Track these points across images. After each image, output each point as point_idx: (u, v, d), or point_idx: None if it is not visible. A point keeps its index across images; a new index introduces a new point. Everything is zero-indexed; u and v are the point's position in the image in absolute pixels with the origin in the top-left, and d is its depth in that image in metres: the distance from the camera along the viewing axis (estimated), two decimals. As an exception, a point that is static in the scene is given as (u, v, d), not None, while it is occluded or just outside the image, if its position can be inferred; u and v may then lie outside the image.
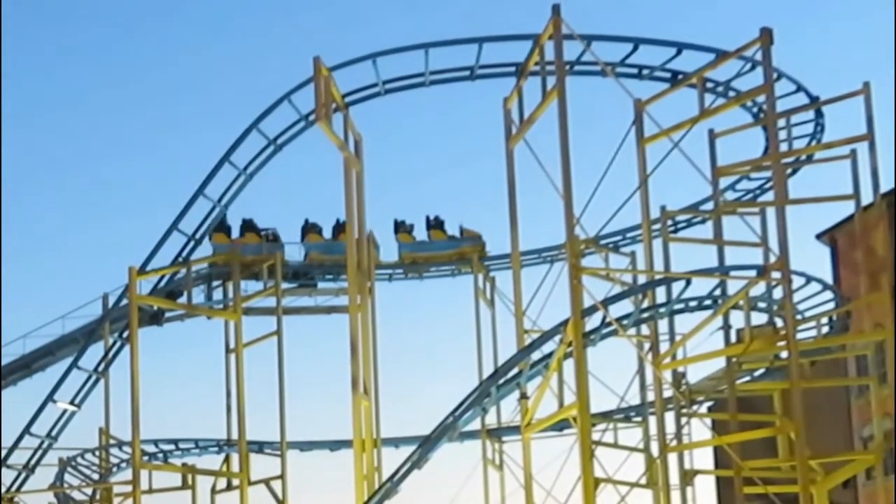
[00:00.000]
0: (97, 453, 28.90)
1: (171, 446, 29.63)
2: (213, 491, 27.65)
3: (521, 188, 22.28)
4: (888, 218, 23.94)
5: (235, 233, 29.40)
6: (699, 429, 24.53)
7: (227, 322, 28.21)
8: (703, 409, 27.21)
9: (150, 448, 29.09)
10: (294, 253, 31.00)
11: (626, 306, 22.35)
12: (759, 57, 20.28)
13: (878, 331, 22.35)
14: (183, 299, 28.38)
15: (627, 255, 26.77)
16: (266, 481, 27.18)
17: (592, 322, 21.18)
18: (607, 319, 21.03)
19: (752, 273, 21.10)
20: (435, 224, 30.23)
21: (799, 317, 22.42)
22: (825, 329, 23.76)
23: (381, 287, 30.01)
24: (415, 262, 30.02)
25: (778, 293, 21.28)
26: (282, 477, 27.32)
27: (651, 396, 24.20)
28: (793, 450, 19.99)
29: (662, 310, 22.27)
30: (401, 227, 29.91)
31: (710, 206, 23.94)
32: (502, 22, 62.90)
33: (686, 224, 27.77)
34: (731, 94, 22.98)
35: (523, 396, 21.95)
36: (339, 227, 29.70)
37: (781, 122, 23.04)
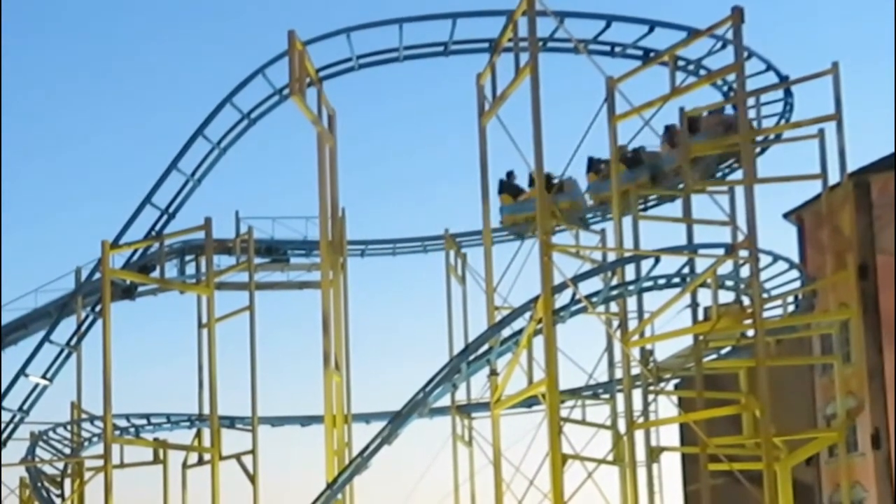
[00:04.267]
0: (69, 427, 28.90)
1: (143, 421, 29.67)
2: (185, 466, 27.72)
3: (494, 164, 22.41)
4: (854, 198, 24.20)
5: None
6: (666, 406, 24.81)
7: (200, 297, 28.24)
8: (671, 386, 27.47)
9: (122, 423, 29.12)
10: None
11: (595, 283, 22.53)
12: (730, 36, 20.42)
13: (842, 310, 22.65)
14: (156, 274, 28.37)
15: (597, 232, 26.97)
16: (237, 456, 27.26)
17: (562, 299, 21.36)
18: (577, 296, 21.21)
19: (720, 251, 21.34)
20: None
21: (765, 295, 22.65)
22: (791, 308, 24.03)
23: (353, 262, 30.10)
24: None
25: (745, 272, 21.49)
26: (253, 452, 27.39)
27: (619, 374, 24.43)
28: (758, 427, 20.24)
29: (631, 287, 22.45)
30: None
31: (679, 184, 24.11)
32: (477, -2, 62.79)
33: (656, 202, 28.00)
34: (703, 72, 23.16)
35: (493, 373, 22.12)
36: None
37: (751, 101, 23.23)
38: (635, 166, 24.36)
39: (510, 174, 26.00)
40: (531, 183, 24.25)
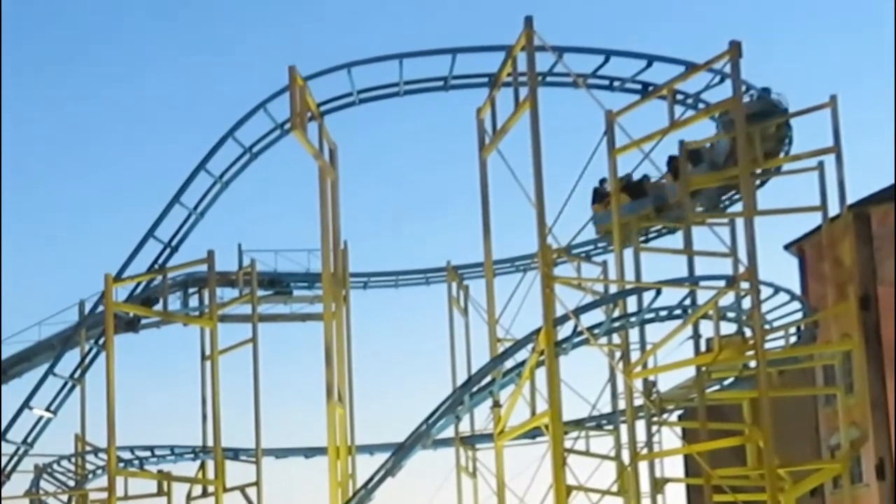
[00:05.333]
0: (73, 460, 28.92)
1: (147, 453, 29.66)
2: (189, 498, 27.70)
3: (494, 197, 22.52)
4: (854, 230, 24.29)
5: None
6: (669, 437, 24.80)
7: (203, 329, 28.30)
8: (674, 417, 27.47)
9: (126, 455, 29.11)
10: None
11: (597, 315, 22.59)
12: (728, 69, 20.58)
13: (844, 341, 22.69)
14: (159, 306, 28.46)
15: (599, 264, 27.03)
16: (241, 488, 27.26)
17: (564, 331, 21.40)
18: (579, 328, 21.27)
19: (722, 283, 21.39)
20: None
21: (767, 326, 22.69)
22: (793, 339, 24.06)
23: (355, 295, 30.19)
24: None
25: (747, 303, 21.52)
26: (257, 484, 27.42)
27: (622, 405, 24.44)
28: (761, 458, 20.23)
29: (633, 319, 22.51)
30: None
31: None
32: (476, 33, 63.30)
33: (657, 234, 28.10)
34: (701, 105, 23.30)
35: (496, 404, 22.16)
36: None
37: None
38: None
39: (603, 182, 24.81)
40: (622, 190, 23.63)
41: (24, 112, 62.59)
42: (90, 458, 28.78)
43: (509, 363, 21.58)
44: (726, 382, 24.56)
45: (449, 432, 26.27)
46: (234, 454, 28.93)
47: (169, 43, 64.69)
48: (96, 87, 63.83)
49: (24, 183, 62.34)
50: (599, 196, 24.85)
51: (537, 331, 19.90)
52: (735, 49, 19.95)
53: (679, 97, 22.89)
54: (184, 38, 64.15)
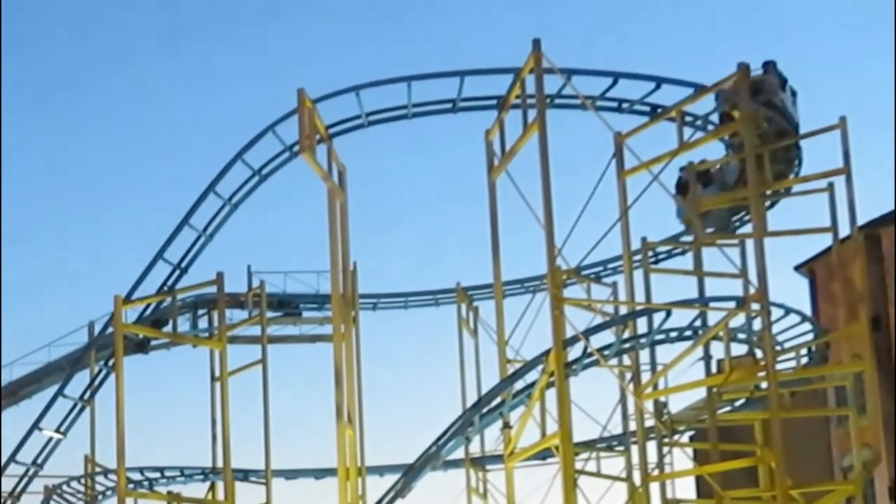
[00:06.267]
0: (83, 481, 28.91)
1: (157, 474, 29.64)
2: (198, 519, 27.68)
3: (503, 219, 22.53)
4: (865, 251, 24.22)
5: None
6: (681, 458, 24.70)
7: (213, 351, 28.29)
8: (685, 438, 27.34)
9: (136, 476, 29.08)
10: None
11: (607, 336, 22.55)
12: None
13: (856, 362, 22.60)
14: (168, 328, 28.50)
15: (609, 285, 26.95)
16: (251, 510, 27.25)
17: (574, 352, 21.37)
18: (589, 350, 21.22)
19: (732, 304, 21.32)
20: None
21: (778, 348, 22.62)
22: (804, 360, 23.98)
23: (365, 316, 30.18)
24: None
25: (757, 324, 21.48)
26: (266, 505, 27.41)
27: (633, 426, 24.36)
28: (773, 479, 20.14)
29: (643, 340, 22.45)
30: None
31: (690, 237, 24.16)
32: (484, 56, 63.54)
33: (666, 255, 28.03)
34: (710, 127, 23.29)
35: (506, 426, 22.10)
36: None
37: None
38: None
39: (683, 169, 23.45)
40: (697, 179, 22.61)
41: (36, 133, 62.90)
42: (100, 479, 28.78)
43: (519, 384, 21.53)
44: (737, 403, 24.46)
45: (459, 453, 26.19)
46: (244, 475, 28.89)
47: (179, 66, 65.06)
48: (107, 111, 64.15)
49: (34, 205, 62.60)
50: (682, 187, 23.85)
51: (547, 352, 19.86)
52: (744, 71, 19.96)
53: (688, 119, 22.86)
54: (193, 61, 64.50)
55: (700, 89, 22.35)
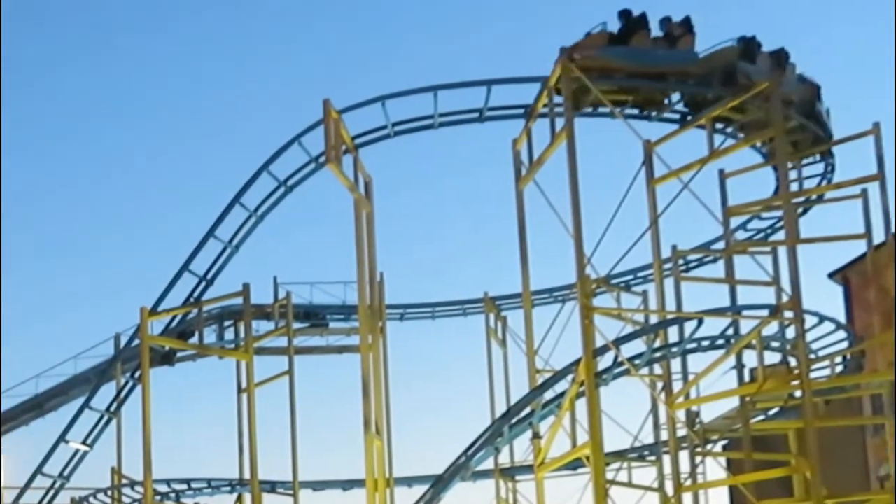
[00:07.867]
0: (109, 493, 28.88)
1: (184, 486, 29.56)
2: (226, 531, 27.63)
3: (532, 227, 22.31)
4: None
5: None
6: (714, 468, 24.42)
7: (239, 362, 28.19)
8: (718, 447, 27.01)
9: (163, 488, 29.01)
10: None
11: (638, 346, 22.26)
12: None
13: (892, 369, 22.22)
14: (194, 339, 28.44)
15: (639, 294, 26.70)
16: (278, 521, 27.12)
17: (605, 361, 21.11)
18: (619, 359, 20.97)
19: (765, 312, 21.01)
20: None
21: (812, 356, 22.30)
22: (839, 368, 23.64)
23: (392, 326, 30.03)
24: None
25: (791, 332, 21.18)
26: (294, 517, 27.27)
27: (665, 436, 24.08)
28: (808, 489, 19.84)
29: (675, 349, 22.18)
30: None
31: (721, 245, 23.88)
32: (511, 65, 63.33)
33: (697, 263, 27.70)
34: (741, 134, 22.98)
35: (536, 436, 21.87)
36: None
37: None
38: None
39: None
40: None
41: (59, 142, 63.15)
42: (126, 491, 28.73)
43: (549, 394, 21.31)
44: (771, 412, 24.12)
45: (488, 464, 25.99)
46: (271, 487, 28.77)
47: (205, 77, 65.17)
48: (132, 120, 64.35)
49: (60, 217, 62.84)
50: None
51: (577, 361, 19.64)
52: (776, 77, 19.68)
53: (718, 126, 22.58)
54: (219, 72, 64.60)
55: (731, 96, 22.03)
